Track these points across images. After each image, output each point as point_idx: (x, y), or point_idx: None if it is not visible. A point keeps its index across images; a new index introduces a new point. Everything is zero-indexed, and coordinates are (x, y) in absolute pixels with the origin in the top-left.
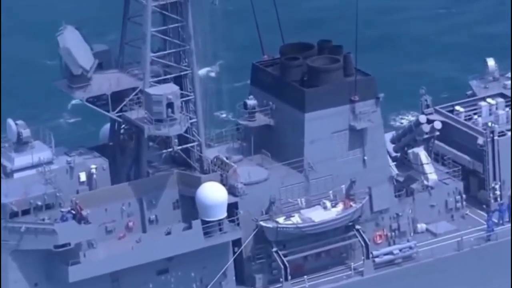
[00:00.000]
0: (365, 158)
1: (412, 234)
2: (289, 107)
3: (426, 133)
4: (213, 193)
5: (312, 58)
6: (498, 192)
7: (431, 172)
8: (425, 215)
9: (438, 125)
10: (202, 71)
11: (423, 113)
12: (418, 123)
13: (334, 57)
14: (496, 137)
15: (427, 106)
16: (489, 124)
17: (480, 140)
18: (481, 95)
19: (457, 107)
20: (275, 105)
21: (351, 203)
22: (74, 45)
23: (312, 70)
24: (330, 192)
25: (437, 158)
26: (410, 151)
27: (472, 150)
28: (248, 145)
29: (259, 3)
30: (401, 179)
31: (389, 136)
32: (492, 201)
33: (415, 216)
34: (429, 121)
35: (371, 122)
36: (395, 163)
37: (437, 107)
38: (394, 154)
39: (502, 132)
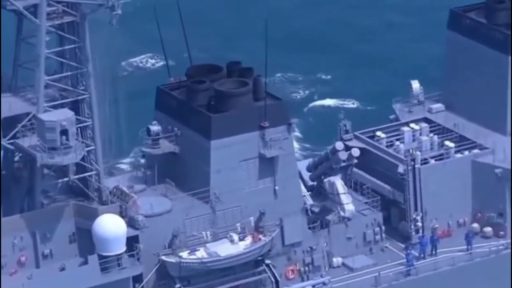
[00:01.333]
0: (276, 188)
1: (327, 268)
2: (195, 133)
3: (344, 161)
4: (111, 225)
5: (220, 81)
6: (419, 224)
7: (348, 203)
8: (341, 248)
9: (356, 152)
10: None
11: (341, 139)
12: (334, 150)
13: (243, 80)
14: (417, 165)
15: (346, 132)
16: (411, 151)
17: (401, 168)
18: (404, 119)
19: (378, 133)
20: (181, 131)
21: (260, 236)
22: None
23: (220, 94)
24: (238, 224)
25: (356, 187)
26: (326, 180)
27: (393, 178)
28: (152, 174)
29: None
30: (316, 209)
31: (305, 164)
32: (414, 233)
33: (331, 250)
34: (348, 148)
35: (283, 150)
36: (309, 192)
37: (356, 133)
38: (310, 183)
39: (425, 159)
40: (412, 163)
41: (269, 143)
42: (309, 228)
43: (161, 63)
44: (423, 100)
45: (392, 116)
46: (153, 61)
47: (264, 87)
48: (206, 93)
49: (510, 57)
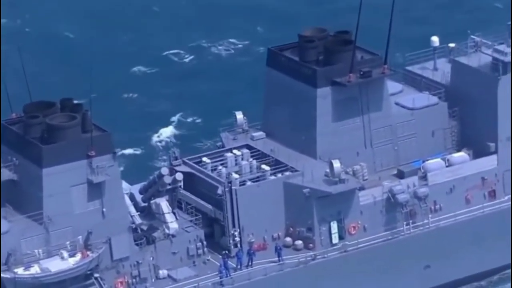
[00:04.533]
0: (104, 210)
1: (153, 280)
2: (29, 162)
3: (169, 184)
4: None
5: (52, 116)
6: (237, 239)
7: (172, 221)
8: (167, 262)
9: (179, 176)
10: None
11: (171, 164)
12: (160, 175)
13: (72, 114)
14: (234, 187)
15: (176, 158)
16: (229, 174)
17: (220, 190)
18: (228, 146)
19: (204, 158)
20: (18, 161)
21: (88, 252)
22: None
23: (50, 127)
24: (68, 243)
25: (182, 207)
26: (152, 201)
27: (214, 199)
28: None
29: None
30: (144, 228)
31: (138, 187)
32: (232, 247)
33: (157, 263)
34: (174, 172)
35: (108, 176)
36: (138, 213)
37: (185, 159)
38: (142, 204)
39: (244, 181)
40: (230, 185)
41: (96, 170)
42: (136, 244)
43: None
44: (247, 129)
45: (218, 143)
46: None
47: (90, 120)
48: (40, 127)
49: (317, 90)
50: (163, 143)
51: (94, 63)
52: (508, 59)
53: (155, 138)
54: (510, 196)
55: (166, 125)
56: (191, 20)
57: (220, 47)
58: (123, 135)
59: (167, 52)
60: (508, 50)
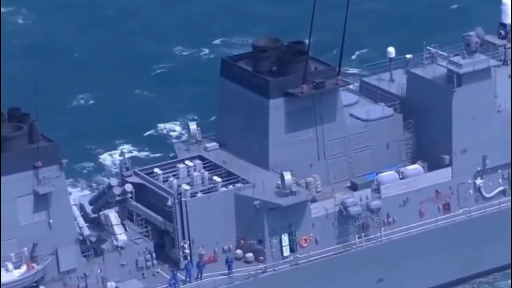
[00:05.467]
0: (51, 221)
1: None
2: None
3: (118, 195)
4: None
5: None
6: (187, 251)
7: (121, 233)
8: (115, 274)
9: (129, 187)
10: None
11: (122, 175)
12: (110, 186)
13: (19, 125)
14: (184, 199)
15: (127, 169)
16: (178, 186)
17: (170, 201)
18: (181, 157)
19: (156, 169)
20: None
21: (34, 264)
22: None
23: None
24: (12, 254)
25: (133, 218)
26: (101, 213)
27: (164, 210)
28: None
29: None
30: (93, 239)
31: (87, 198)
32: (182, 259)
33: (105, 275)
34: (125, 183)
35: (55, 187)
36: (87, 224)
37: (136, 169)
38: (92, 215)
39: (195, 193)
40: (179, 196)
41: (43, 180)
42: (84, 256)
43: None
44: (201, 140)
45: (172, 154)
46: None
47: (37, 131)
48: None
49: (270, 101)
50: (117, 153)
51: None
52: (462, 71)
53: (108, 148)
54: (464, 209)
55: (121, 135)
56: None
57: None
58: (75, 146)
59: None
60: (463, 62)
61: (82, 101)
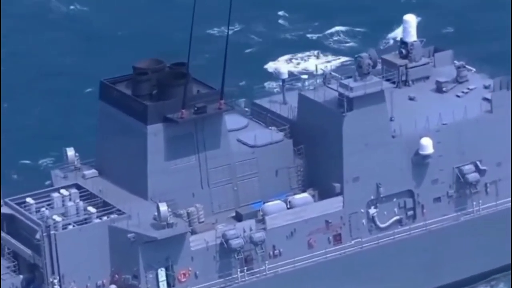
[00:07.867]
0: None
1: None
2: None
3: None
4: None
5: None
6: (57, 287)
7: None
8: None
9: None
10: None
11: None
12: None
13: None
14: (53, 231)
15: None
16: (48, 218)
17: (38, 234)
18: (58, 185)
19: (28, 199)
20: None
21: None
22: None
23: None
24: None
25: (5, 252)
26: None
27: (35, 244)
28: None
29: None
30: None
31: None
32: None
33: None
34: None
35: None
36: None
37: (7, 199)
38: None
39: (68, 224)
40: (48, 229)
41: None
42: None
43: None
44: (79, 166)
45: (48, 182)
46: None
47: None
48: None
49: (148, 126)
50: None
51: None
52: (353, 94)
53: None
54: (357, 240)
55: None
56: None
57: None
58: None
59: None
60: (354, 84)
61: None
